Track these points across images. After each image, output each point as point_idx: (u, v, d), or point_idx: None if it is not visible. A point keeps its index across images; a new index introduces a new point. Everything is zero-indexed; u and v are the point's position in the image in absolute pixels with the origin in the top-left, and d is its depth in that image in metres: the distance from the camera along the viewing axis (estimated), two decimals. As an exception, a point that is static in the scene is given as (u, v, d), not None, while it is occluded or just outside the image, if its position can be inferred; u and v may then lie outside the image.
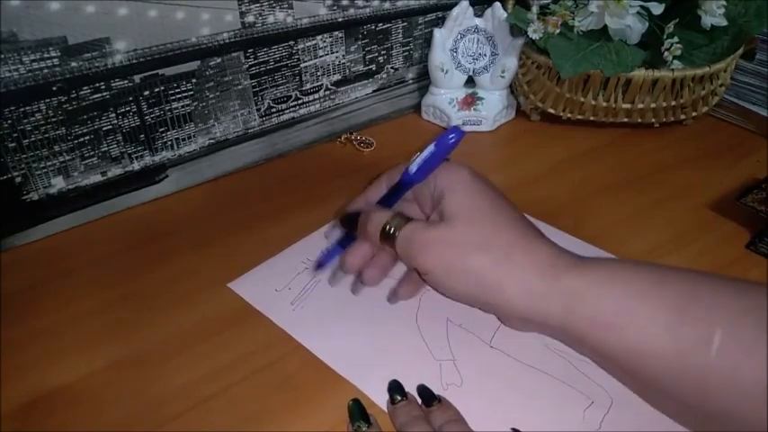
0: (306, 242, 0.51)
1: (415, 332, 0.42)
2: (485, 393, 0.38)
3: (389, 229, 0.38)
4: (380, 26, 0.65)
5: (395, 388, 0.37)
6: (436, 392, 0.37)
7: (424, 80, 0.72)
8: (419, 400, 0.37)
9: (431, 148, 0.40)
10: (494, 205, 0.38)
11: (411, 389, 0.37)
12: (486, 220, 0.37)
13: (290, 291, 0.46)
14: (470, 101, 0.69)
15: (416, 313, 0.44)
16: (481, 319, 0.43)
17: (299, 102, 0.64)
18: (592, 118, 0.67)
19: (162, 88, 0.53)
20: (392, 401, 0.36)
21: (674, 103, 0.65)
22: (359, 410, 0.36)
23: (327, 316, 0.44)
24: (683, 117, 0.68)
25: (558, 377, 0.39)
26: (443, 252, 0.37)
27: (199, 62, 0.54)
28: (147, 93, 0.53)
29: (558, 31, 0.61)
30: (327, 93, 0.65)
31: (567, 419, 0.37)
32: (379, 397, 0.37)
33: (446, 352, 0.41)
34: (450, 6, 0.67)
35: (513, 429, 0.35)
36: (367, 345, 0.41)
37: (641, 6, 0.60)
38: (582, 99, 0.65)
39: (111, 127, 0.52)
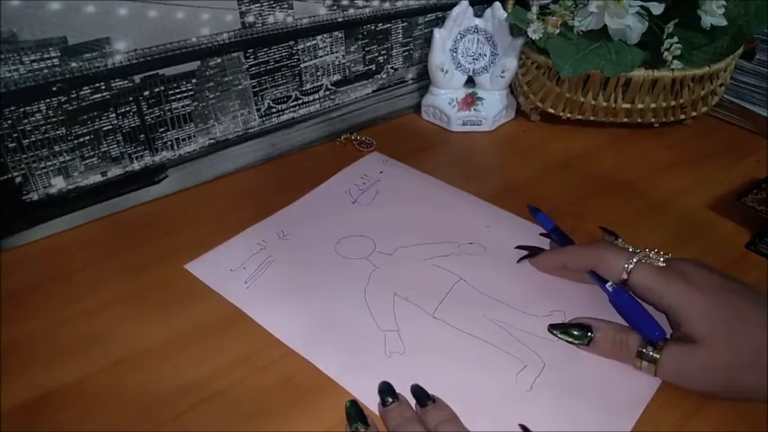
0: (263, 225, 0.53)
1: (363, 306, 0.44)
2: (425, 359, 0.40)
3: (647, 352, 0.38)
4: (380, 26, 0.65)
5: (385, 390, 0.36)
6: (416, 387, 0.37)
7: (424, 80, 0.71)
8: (411, 401, 0.36)
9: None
10: (736, 314, 0.36)
11: (359, 363, 0.38)
12: (741, 334, 0.36)
13: (245, 270, 0.47)
14: (470, 101, 0.69)
15: (365, 288, 0.45)
16: (427, 292, 0.45)
17: (299, 102, 0.64)
18: (592, 118, 0.67)
19: (162, 88, 0.53)
20: (383, 404, 0.36)
21: (673, 103, 0.64)
22: (356, 412, 0.35)
23: (279, 293, 0.45)
24: (683, 117, 0.68)
25: (496, 344, 0.41)
26: (717, 376, 0.36)
27: (199, 62, 0.54)
28: (147, 93, 0.53)
29: (557, 31, 0.61)
30: (327, 93, 0.65)
31: (500, 382, 0.38)
32: (370, 399, 0.37)
33: (391, 323, 0.43)
34: (450, 6, 0.67)
35: (521, 425, 0.35)
36: (315, 318, 0.43)
37: (641, 6, 0.60)
38: (582, 99, 0.65)
39: (111, 127, 0.52)
